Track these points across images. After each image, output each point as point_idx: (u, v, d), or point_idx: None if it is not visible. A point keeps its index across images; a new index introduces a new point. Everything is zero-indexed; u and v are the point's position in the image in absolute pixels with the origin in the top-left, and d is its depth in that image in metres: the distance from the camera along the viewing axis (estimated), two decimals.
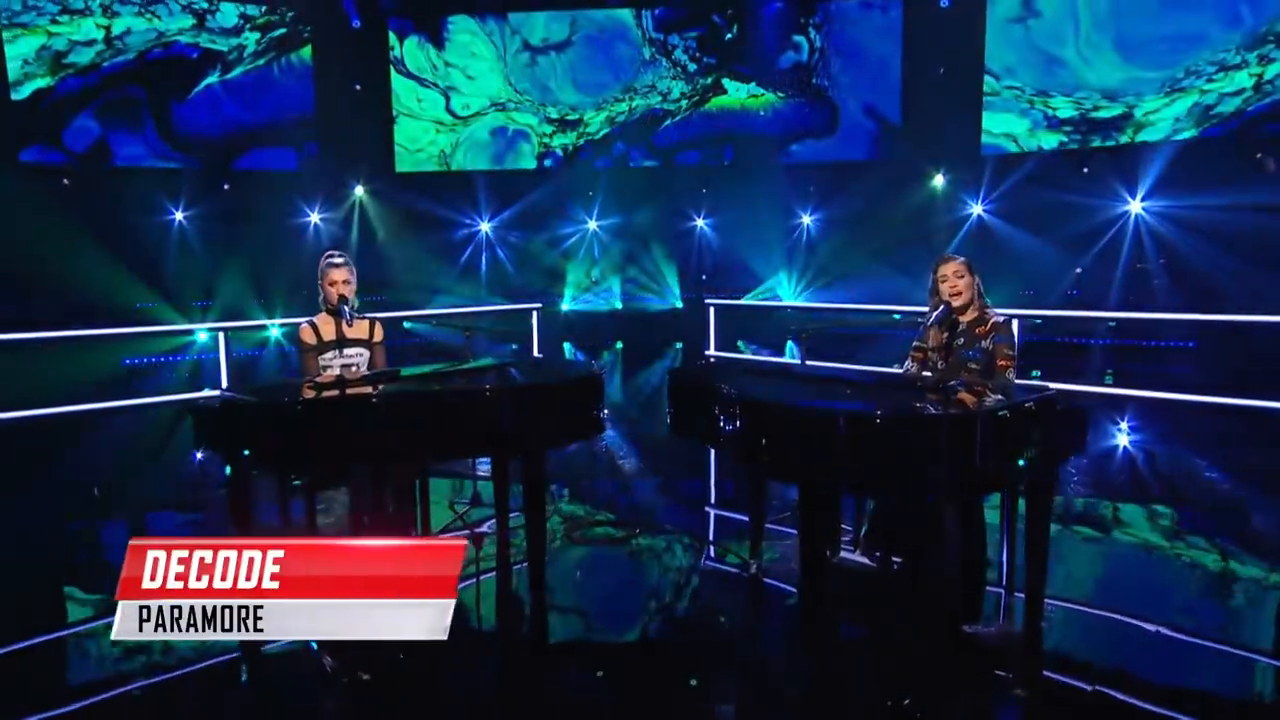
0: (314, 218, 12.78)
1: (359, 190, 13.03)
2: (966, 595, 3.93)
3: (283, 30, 12.39)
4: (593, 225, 13.94)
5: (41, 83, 11.12)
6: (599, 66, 13.35)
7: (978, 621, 3.82)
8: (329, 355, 4.47)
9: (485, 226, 13.71)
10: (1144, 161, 10.35)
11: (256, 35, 12.29)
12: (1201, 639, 3.65)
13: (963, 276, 4.14)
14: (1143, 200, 10.46)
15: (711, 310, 9.27)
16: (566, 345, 13.32)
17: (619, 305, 13.92)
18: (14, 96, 10.94)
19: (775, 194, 12.72)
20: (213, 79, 12.00)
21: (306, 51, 12.56)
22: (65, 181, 10.91)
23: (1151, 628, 3.70)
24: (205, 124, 11.96)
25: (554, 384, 4.00)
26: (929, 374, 4.21)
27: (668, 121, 13.47)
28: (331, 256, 4.53)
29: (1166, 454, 6.91)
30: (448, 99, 13.47)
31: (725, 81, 13.21)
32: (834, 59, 12.61)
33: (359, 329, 4.57)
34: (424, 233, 12.95)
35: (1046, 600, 3.74)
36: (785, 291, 12.83)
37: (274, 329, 8.54)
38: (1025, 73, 10.95)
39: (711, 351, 9.39)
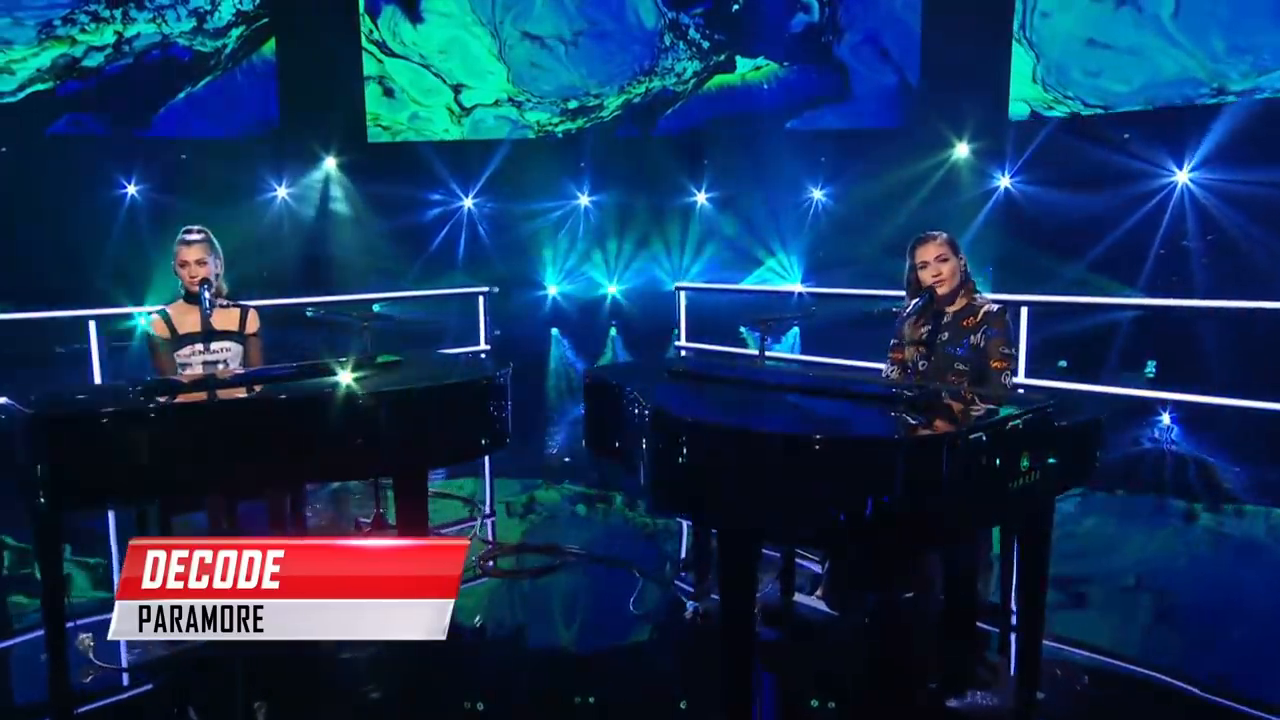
0: (280, 192, 12.23)
1: (328, 164, 12.46)
2: (952, 654, 3.29)
3: (264, 20, 11.99)
4: (584, 200, 13.30)
5: (41, 86, 11.03)
6: (617, 56, 12.79)
7: (966, 684, 3.18)
8: (187, 351, 3.91)
9: (468, 202, 13.10)
10: (1198, 126, 9.51)
11: (241, 29, 11.91)
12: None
13: (946, 260, 3.51)
14: (1191, 171, 9.64)
15: (682, 295, 8.57)
16: (554, 331, 12.71)
17: (613, 287, 13.29)
18: (10, 99, 10.90)
19: (781, 168, 11.98)
20: (179, 98, 11.67)
21: (269, 47, 12.05)
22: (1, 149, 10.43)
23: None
24: (174, 137, 11.76)
25: (436, 391, 3.37)
26: (917, 376, 3.59)
27: (669, 110, 12.86)
28: (185, 232, 3.95)
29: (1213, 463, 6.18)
30: (456, 92, 12.95)
31: (738, 59, 12.56)
32: (844, 14, 11.82)
33: (227, 318, 4.02)
34: (395, 209, 12.34)
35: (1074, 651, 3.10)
36: (792, 274, 12.14)
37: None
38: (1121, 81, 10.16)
39: (683, 342, 8.72)
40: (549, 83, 13.06)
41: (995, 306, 3.51)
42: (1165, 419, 6.98)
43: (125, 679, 3.23)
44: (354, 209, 12.33)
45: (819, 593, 3.60)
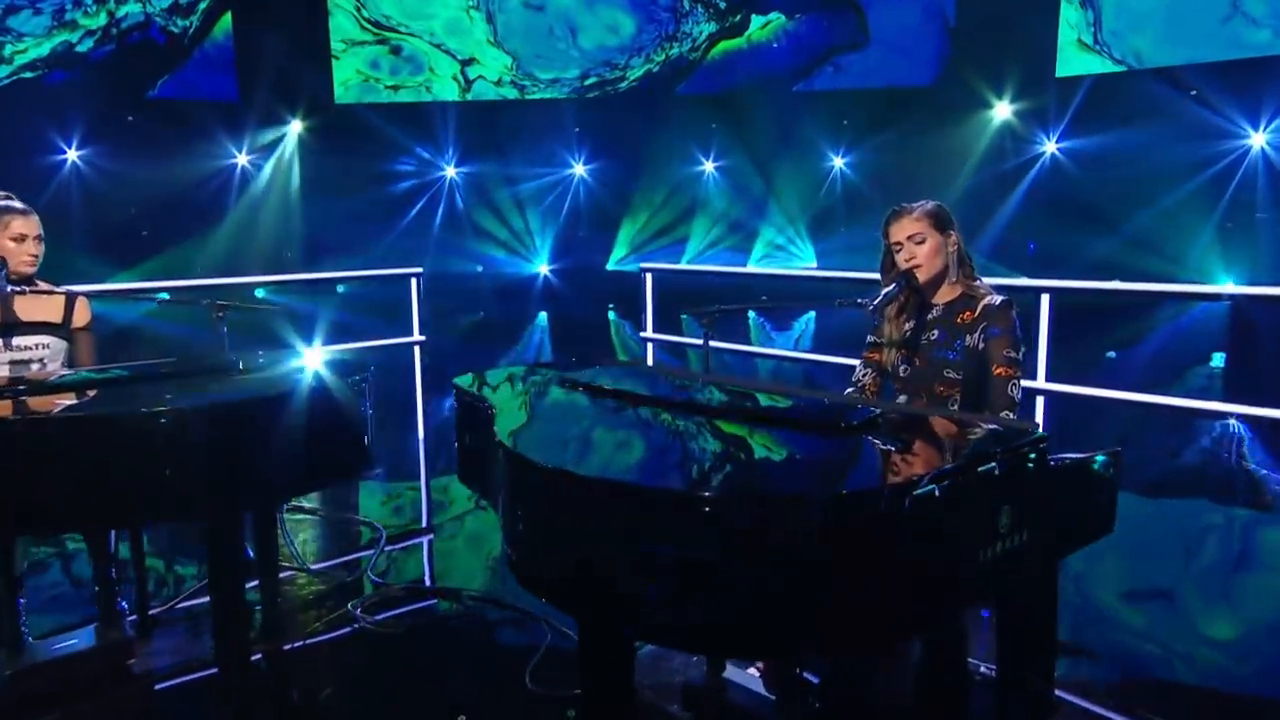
0: (241, 159, 11.71)
1: (293, 127, 11.91)
2: None
3: None
4: (579, 170, 12.67)
5: (29, 75, 10.80)
6: (646, 26, 12.19)
7: None
8: None
9: (451, 171, 12.52)
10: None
11: (207, 2, 11.50)
12: None
13: (923, 239, 2.89)
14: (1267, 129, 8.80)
15: (649, 278, 7.92)
16: (542, 315, 12.14)
17: (612, 266, 12.69)
18: None
19: (797, 134, 11.26)
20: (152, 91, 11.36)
21: (225, 22, 11.57)
22: None
23: None
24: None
25: (248, 405, 2.77)
26: (897, 384, 2.99)
27: (684, 80, 12.21)
28: (8, 198, 3.40)
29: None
30: (464, 65, 12.41)
31: (753, 16, 11.87)
32: None
33: (45, 308, 3.46)
34: (367, 178, 11.77)
35: None
36: (805, 253, 11.45)
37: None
38: None
39: (649, 333, 8.06)
40: (565, 69, 12.49)
41: (999, 299, 2.86)
42: (1234, 425, 6.26)
43: None
44: (315, 178, 11.78)
45: (759, 670, 2.97)
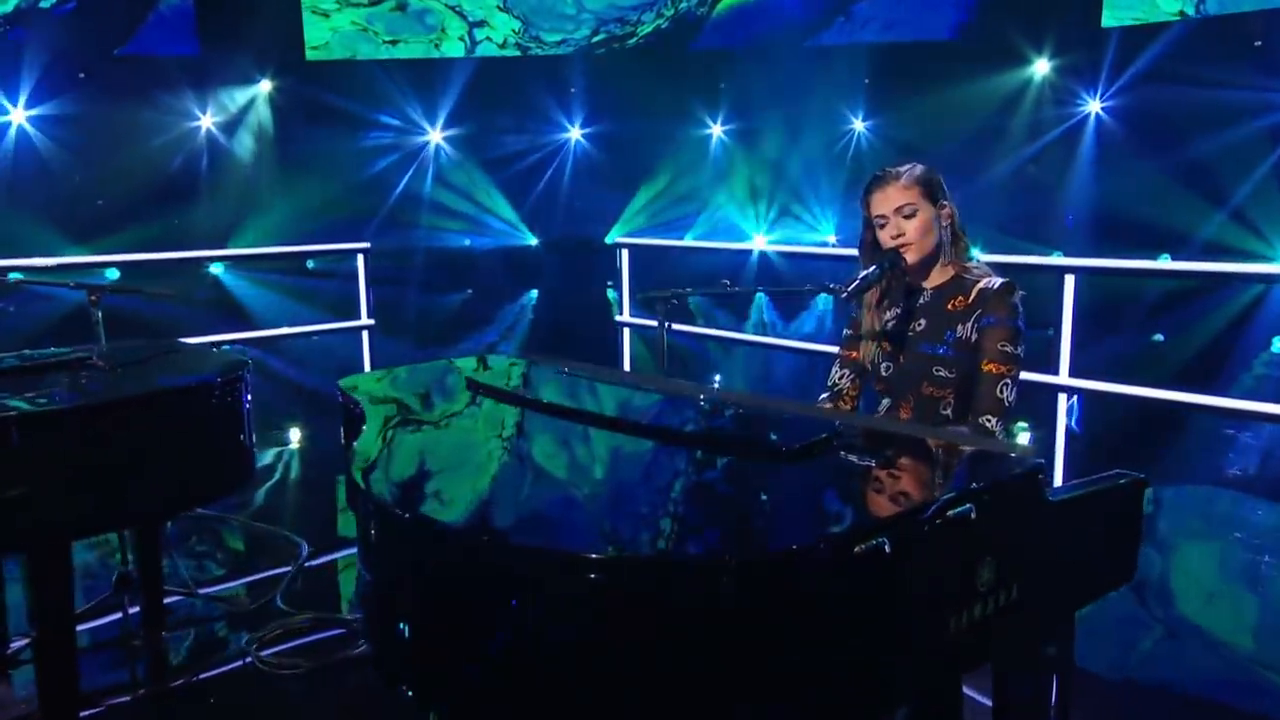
0: (205, 121, 11.39)
1: (261, 87, 11.57)
2: None
3: None
4: (575, 134, 12.29)
5: None
6: None
7: None
8: None
9: (436, 136, 12.16)
10: None
11: None
12: None
13: (913, 212, 2.54)
14: None
15: (625, 255, 7.53)
16: (532, 293, 11.82)
17: (613, 239, 12.34)
18: None
19: (812, 95, 10.84)
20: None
21: None
22: None
23: None
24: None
25: (88, 411, 2.43)
26: (879, 385, 2.65)
27: (692, 37, 11.94)
28: None
29: None
30: (472, 28, 12.07)
31: None
32: None
33: None
34: (343, 142, 11.42)
35: None
36: (824, 226, 11.07)
37: None
38: None
39: (625, 317, 7.68)
40: (575, 31, 12.12)
41: (997, 282, 2.51)
42: None
43: None
44: (285, 142, 11.44)
45: None
